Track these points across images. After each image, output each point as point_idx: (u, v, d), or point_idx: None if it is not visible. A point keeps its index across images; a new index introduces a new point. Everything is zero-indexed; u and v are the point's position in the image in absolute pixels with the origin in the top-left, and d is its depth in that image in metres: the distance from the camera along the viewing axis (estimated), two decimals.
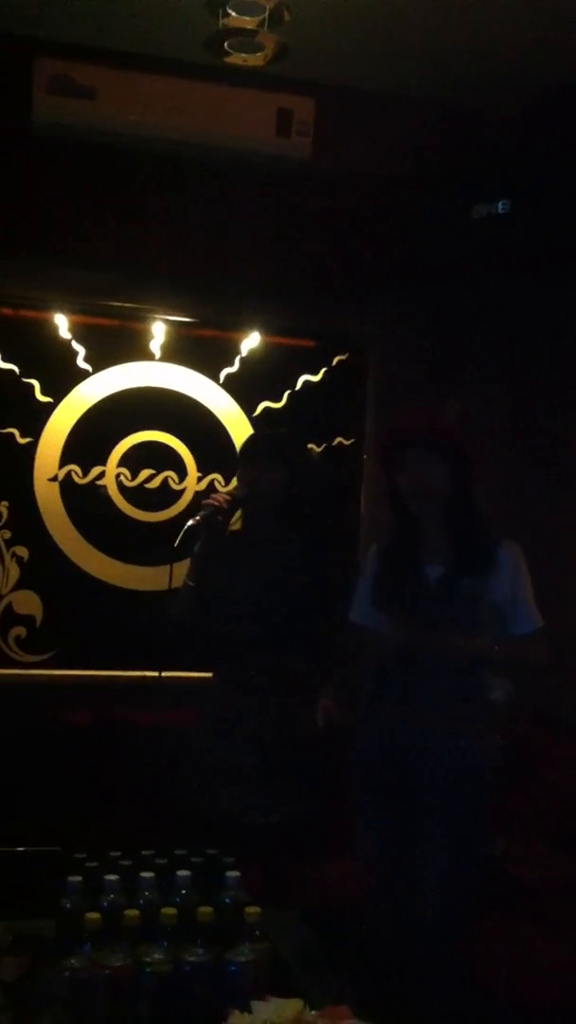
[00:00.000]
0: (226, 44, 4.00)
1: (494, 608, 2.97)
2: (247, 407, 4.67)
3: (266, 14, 3.70)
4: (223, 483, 4.60)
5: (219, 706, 3.41)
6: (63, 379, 4.47)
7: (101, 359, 4.51)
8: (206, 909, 2.16)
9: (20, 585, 4.41)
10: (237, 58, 4.15)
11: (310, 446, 4.72)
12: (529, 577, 3.01)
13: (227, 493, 3.45)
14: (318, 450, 4.73)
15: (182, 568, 3.52)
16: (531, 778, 4.02)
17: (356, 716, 3.25)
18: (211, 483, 4.59)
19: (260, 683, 3.35)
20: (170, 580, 3.69)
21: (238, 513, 3.54)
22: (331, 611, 3.37)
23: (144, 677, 4.19)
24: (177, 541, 3.37)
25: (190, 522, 3.36)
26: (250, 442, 3.66)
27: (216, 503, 3.39)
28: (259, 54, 4.08)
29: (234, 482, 3.64)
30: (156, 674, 3.88)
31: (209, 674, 3.53)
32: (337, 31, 4.06)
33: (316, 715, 3.32)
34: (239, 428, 4.64)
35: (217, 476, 4.61)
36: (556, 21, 3.89)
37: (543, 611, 3.04)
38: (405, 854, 3.00)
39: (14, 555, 4.41)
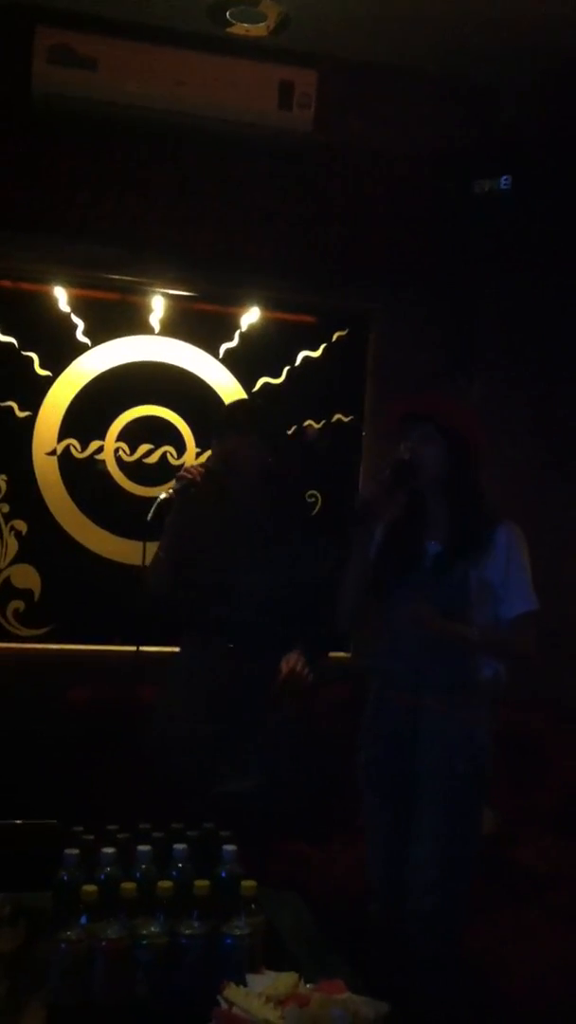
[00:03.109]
0: (228, 14, 3.97)
1: (487, 588, 2.97)
2: (246, 382, 4.65)
3: None
4: None
5: (189, 675, 3.42)
6: (62, 352, 4.45)
7: (100, 333, 4.49)
8: (202, 883, 2.16)
9: (18, 559, 4.41)
10: (240, 28, 4.13)
11: (308, 422, 4.71)
12: (527, 560, 2.99)
13: (201, 465, 3.44)
14: (317, 426, 4.72)
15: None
16: (538, 766, 4.04)
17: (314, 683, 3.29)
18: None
19: (230, 652, 3.35)
20: (143, 556, 3.72)
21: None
22: (307, 585, 3.37)
23: (136, 651, 4.20)
24: (150, 515, 3.38)
25: (162, 495, 3.38)
26: (224, 413, 3.67)
27: (190, 476, 3.37)
28: (262, 24, 4.06)
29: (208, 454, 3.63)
30: (134, 648, 3.91)
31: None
32: (340, 2, 4.02)
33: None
34: None
35: None
36: None
37: (553, 598, 3.04)
38: (400, 832, 3.01)
39: (12, 529, 4.40)
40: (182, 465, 4.53)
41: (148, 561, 3.69)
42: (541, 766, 4.04)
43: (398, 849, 3.00)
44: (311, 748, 3.48)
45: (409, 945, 2.93)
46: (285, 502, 3.55)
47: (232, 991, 1.99)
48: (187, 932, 2.12)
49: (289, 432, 4.65)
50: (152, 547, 3.61)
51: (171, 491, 3.37)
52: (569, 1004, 2.93)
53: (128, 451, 4.52)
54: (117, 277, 4.48)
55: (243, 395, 4.62)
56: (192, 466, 3.43)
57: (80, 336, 4.46)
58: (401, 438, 3.04)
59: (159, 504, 3.37)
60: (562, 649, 4.06)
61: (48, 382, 4.44)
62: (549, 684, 4.06)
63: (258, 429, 3.48)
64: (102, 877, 2.20)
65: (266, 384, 4.66)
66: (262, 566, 3.41)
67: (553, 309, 4.58)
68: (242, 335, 4.64)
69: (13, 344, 4.39)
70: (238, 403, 4.20)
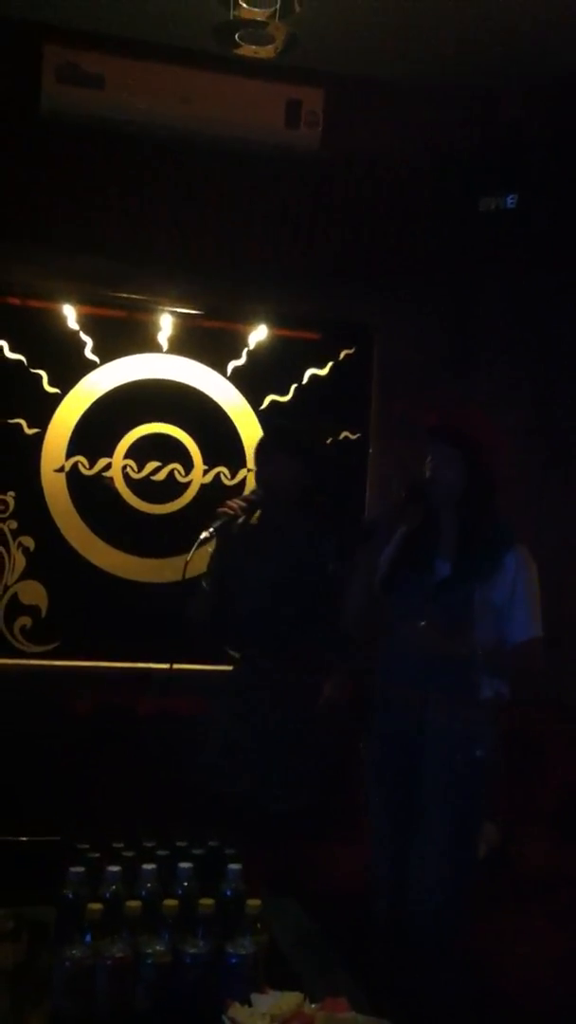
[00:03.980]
0: (237, 35, 3.99)
1: (492, 610, 2.96)
2: (253, 400, 4.66)
3: (277, 5, 3.69)
4: (229, 476, 4.60)
5: (237, 694, 3.41)
6: (70, 370, 4.47)
7: (108, 350, 4.50)
8: (207, 901, 2.16)
9: (26, 575, 4.41)
10: (248, 50, 4.15)
11: None
12: (535, 586, 2.98)
13: (242, 499, 3.38)
14: (325, 443, 4.72)
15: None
16: (538, 766, 4.03)
17: (351, 701, 3.27)
18: (217, 476, 4.59)
19: (277, 673, 3.34)
20: (184, 572, 3.63)
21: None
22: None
23: (151, 669, 4.19)
24: (190, 555, 3.34)
25: (204, 534, 3.30)
26: (263, 443, 3.60)
27: (231, 511, 3.32)
28: (270, 46, 4.07)
29: (249, 483, 3.58)
30: (167, 666, 3.87)
31: (219, 667, 3.53)
32: (347, 21, 4.04)
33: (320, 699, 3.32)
34: (245, 421, 4.64)
35: (223, 469, 4.61)
36: (569, 11, 3.86)
37: (554, 598, 3.03)
38: (406, 843, 3.00)
39: (20, 545, 4.41)
40: (189, 482, 4.56)
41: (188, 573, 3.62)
42: (541, 766, 4.03)
43: (402, 849, 3.00)
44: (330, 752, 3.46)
45: (412, 944, 2.92)
46: (324, 524, 3.51)
47: (236, 1010, 1.98)
48: (191, 950, 2.11)
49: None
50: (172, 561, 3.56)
51: (211, 530, 3.32)
52: (569, 1004, 2.92)
53: (136, 468, 4.53)
54: (125, 295, 4.49)
55: (251, 413, 4.63)
56: (231, 501, 3.38)
57: (88, 354, 4.48)
58: (424, 449, 3.03)
59: (199, 543, 3.32)
60: (563, 650, 4.05)
61: (57, 399, 4.45)
62: (549, 684, 4.05)
63: (297, 452, 3.44)
64: (107, 895, 2.19)
65: (273, 401, 4.67)
66: (303, 587, 3.39)
67: (557, 323, 4.58)
68: (249, 353, 4.65)
69: (22, 361, 4.40)
70: (278, 427, 4.06)
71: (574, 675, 4.15)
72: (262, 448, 3.56)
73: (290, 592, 3.38)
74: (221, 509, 3.35)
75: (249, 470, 4.61)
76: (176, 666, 3.77)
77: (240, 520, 3.36)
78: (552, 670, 3.08)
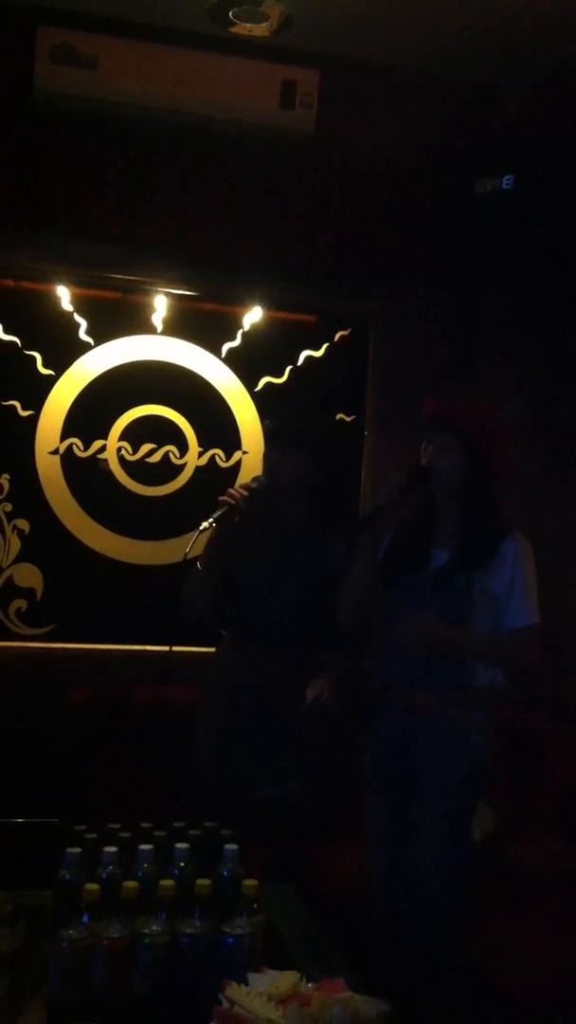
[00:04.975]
0: (231, 14, 3.97)
1: (490, 599, 2.96)
2: (249, 382, 4.65)
3: None
4: (224, 458, 4.59)
5: (224, 683, 3.41)
6: (65, 352, 4.45)
7: (103, 332, 4.49)
8: (204, 882, 2.17)
9: (21, 558, 4.41)
10: (242, 28, 4.13)
11: None
12: (533, 574, 2.98)
13: (243, 487, 3.31)
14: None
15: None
16: (538, 766, 4.03)
17: (345, 695, 3.26)
18: (212, 458, 4.58)
19: (268, 661, 3.34)
20: (186, 553, 3.58)
21: None
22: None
23: (146, 651, 4.19)
24: (189, 547, 3.32)
25: (204, 525, 3.23)
26: (270, 427, 3.56)
27: (233, 500, 3.25)
28: (264, 24, 4.05)
29: (244, 466, 3.50)
30: (167, 649, 3.86)
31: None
32: (342, 2, 4.02)
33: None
34: (240, 403, 4.63)
35: (218, 451, 4.60)
36: None
37: (553, 598, 3.03)
38: (403, 835, 3.01)
39: (15, 528, 4.40)
40: (184, 465, 4.55)
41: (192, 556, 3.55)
42: (541, 766, 4.04)
43: (400, 849, 3.00)
44: (331, 749, 3.45)
45: (410, 945, 2.93)
46: (328, 514, 3.47)
47: (233, 990, 1.99)
48: (188, 931, 2.12)
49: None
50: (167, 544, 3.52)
51: (212, 521, 3.24)
52: (569, 1004, 2.93)
53: (131, 450, 4.52)
54: (119, 276, 4.48)
55: (246, 395, 4.62)
56: (233, 490, 3.30)
57: (83, 335, 4.46)
58: (423, 437, 3.02)
59: (200, 534, 3.28)
60: (562, 650, 4.06)
61: (51, 381, 4.44)
62: (549, 684, 4.06)
63: (302, 443, 3.37)
64: (104, 876, 2.20)
65: (268, 384, 4.66)
66: (303, 577, 3.38)
67: (554, 308, 4.57)
68: (244, 335, 4.64)
69: (16, 343, 4.39)
70: (284, 417, 3.93)
71: (574, 675, 4.17)
72: (268, 433, 3.52)
73: (289, 583, 3.36)
74: (223, 499, 3.28)
75: (244, 452, 4.61)
76: (176, 648, 3.77)
77: (242, 509, 3.30)
78: (552, 670, 3.09)
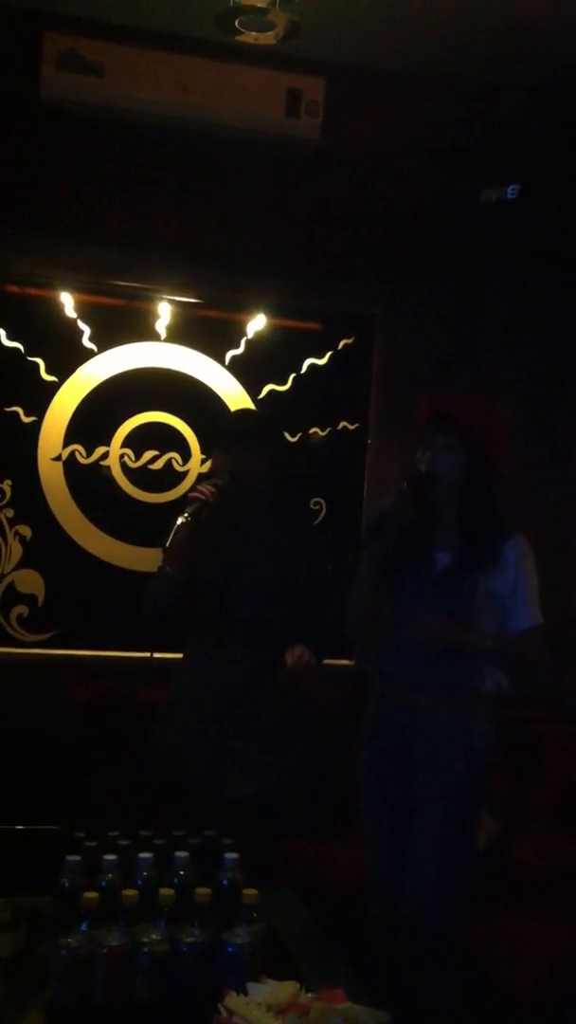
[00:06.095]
0: (237, 22, 3.96)
1: (494, 600, 2.96)
2: (252, 390, 4.65)
3: None
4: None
5: (193, 678, 3.41)
6: (68, 358, 4.45)
7: (107, 339, 4.49)
8: (204, 890, 2.16)
9: (22, 564, 4.41)
10: (248, 36, 4.12)
11: (314, 430, 4.71)
12: (535, 574, 2.98)
13: (211, 484, 3.33)
14: (322, 434, 4.72)
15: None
16: (538, 766, 4.04)
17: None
18: None
19: (235, 655, 3.34)
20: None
21: None
22: (310, 588, 3.36)
23: (146, 658, 4.19)
24: (168, 541, 3.32)
25: (180, 520, 3.25)
26: (229, 423, 3.62)
27: (203, 496, 3.28)
28: (270, 32, 4.05)
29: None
30: (148, 655, 3.88)
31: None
32: (348, 10, 4.03)
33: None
34: None
35: None
36: (572, 1, 3.85)
37: (554, 597, 3.03)
38: (398, 832, 3.00)
39: (17, 534, 4.40)
40: (186, 472, 4.55)
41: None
42: (541, 766, 4.04)
43: (396, 849, 3.00)
44: (313, 747, 3.45)
45: (406, 945, 2.92)
46: (290, 509, 3.51)
47: (233, 1000, 1.98)
48: (188, 939, 2.11)
49: (294, 439, 4.64)
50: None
51: (187, 516, 3.27)
52: (569, 1003, 2.92)
53: (133, 457, 4.52)
54: (123, 283, 4.48)
55: (249, 402, 4.62)
56: (203, 486, 3.34)
57: (86, 342, 4.46)
58: (422, 440, 3.02)
59: (176, 529, 3.30)
60: (562, 649, 4.06)
61: (54, 387, 4.44)
62: (549, 684, 4.05)
63: (265, 440, 3.44)
64: (103, 884, 2.19)
65: (272, 391, 4.66)
66: (267, 571, 3.39)
67: (554, 309, 4.58)
68: (248, 342, 4.64)
69: (19, 349, 4.39)
70: (243, 413, 4.14)
71: (574, 675, 4.16)
72: (228, 430, 3.56)
73: (257, 575, 3.37)
74: (192, 495, 3.33)
75: None
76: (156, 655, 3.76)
77: (213, 506, 3.33)
78: (552, 670, 3.08)
